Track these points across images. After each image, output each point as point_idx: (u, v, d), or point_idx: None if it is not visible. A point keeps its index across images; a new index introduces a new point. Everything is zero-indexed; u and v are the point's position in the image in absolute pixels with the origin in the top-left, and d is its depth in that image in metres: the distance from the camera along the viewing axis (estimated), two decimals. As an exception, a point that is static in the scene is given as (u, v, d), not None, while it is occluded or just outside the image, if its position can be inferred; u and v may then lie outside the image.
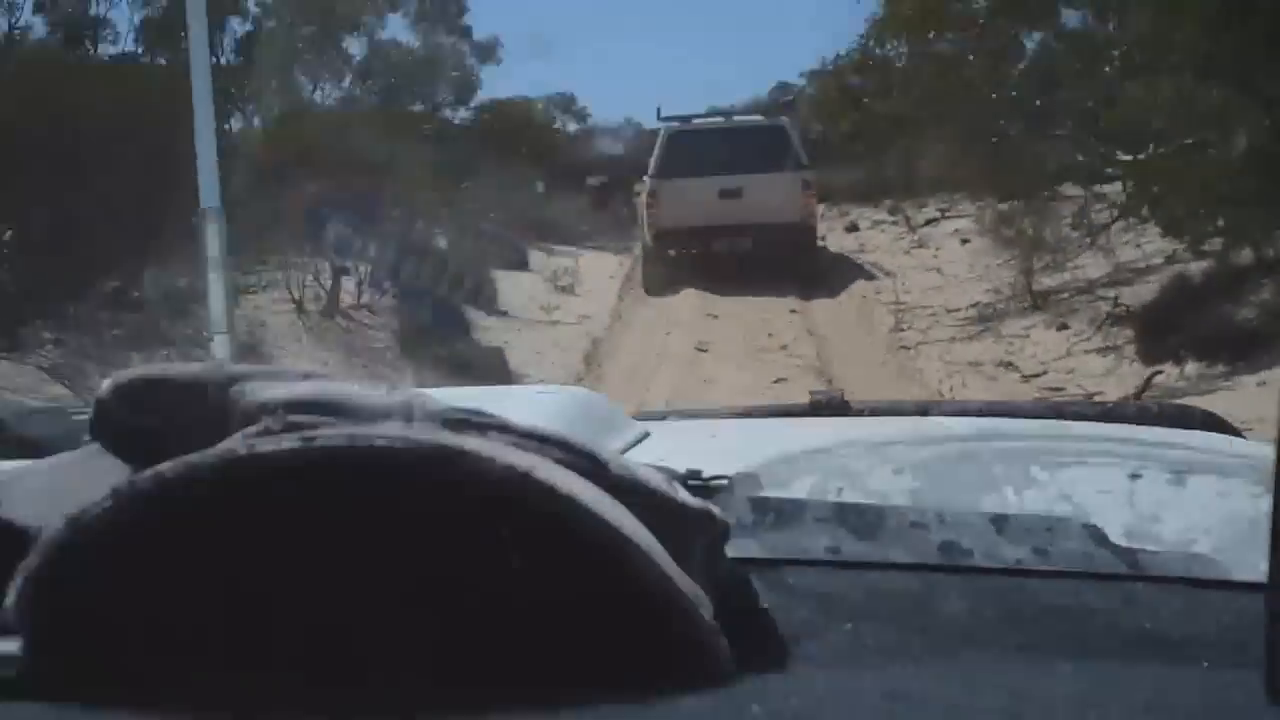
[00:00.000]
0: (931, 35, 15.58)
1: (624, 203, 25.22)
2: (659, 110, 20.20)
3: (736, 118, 20.45)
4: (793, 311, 16.21)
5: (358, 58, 28.88)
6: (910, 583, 1.06)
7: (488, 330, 15.33)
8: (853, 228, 24.69)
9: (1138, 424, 1.78)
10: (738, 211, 18.57)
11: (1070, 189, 16.72)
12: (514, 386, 3.95)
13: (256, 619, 0.77)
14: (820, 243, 21.59)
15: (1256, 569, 0.77)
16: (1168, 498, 1.33)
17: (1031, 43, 15.49)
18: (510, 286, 18.45)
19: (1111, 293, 12.97)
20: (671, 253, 19.18)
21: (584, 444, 0.86)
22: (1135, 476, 1.38)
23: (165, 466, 0.75)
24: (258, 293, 14.58)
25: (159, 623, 0.77)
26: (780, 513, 1.16)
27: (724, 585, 0.87)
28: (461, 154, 28.29)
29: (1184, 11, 10.87)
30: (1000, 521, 1.15)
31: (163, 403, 0.93)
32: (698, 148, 19.18)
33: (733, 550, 0.98)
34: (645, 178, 19.73)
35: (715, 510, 0.89)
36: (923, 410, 2.09)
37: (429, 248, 17.84)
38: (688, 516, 0.86)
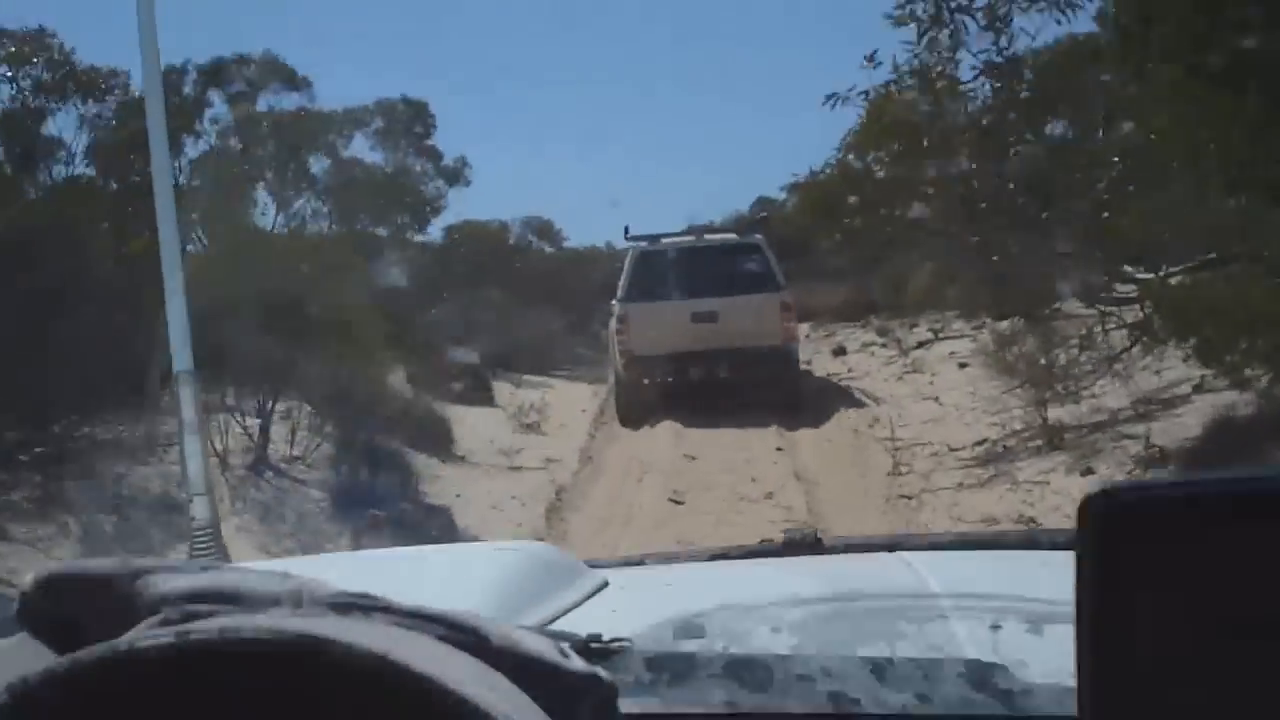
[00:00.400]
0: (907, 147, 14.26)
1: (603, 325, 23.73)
2: (626, 229, 18.87)
3: (708, 235, 19.06)
4: (778, 450, 14.67)
5: (319, 177, 27.57)
6: None
7: (438, 481, 13.75)
8: (840, 351, 23.38)
9: None
10: (713, 336, 17.45)
11: (1075, 306, 15.42)
12: (474, 544, 3.94)
13: None
14: (805, 366, 20.44)
15: None
16: (1029, 644, 1.43)
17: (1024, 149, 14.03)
18: (470, 427, 16.94)
19: (1139, 428, 11.40)
20: (645, 381, 17.85)
21: (467, 620, 0.91)
22: (996, 628, 1.50)
23: (55, 663, 0.80)
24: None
25: None
26: (675, 670, 1.26)
27: None
28: (426, 278, 26.99)
29: (1226, 118, 9.43)
30: (881, 670, 1.24)
31: (80, 595, 1.00)
32: (668, 268, 18.08)
33: (636, 707, 1.13)
34: (613, 302, 18.37)
35: (601, 673, 0.93)
36: (893, 545, 2.19)
37: (380, 386, 16.34)
38: (573, 682, 0.91)
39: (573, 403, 20.55)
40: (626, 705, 0.96)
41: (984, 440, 13.12)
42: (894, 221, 14.26)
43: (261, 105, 26.41)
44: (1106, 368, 13.38)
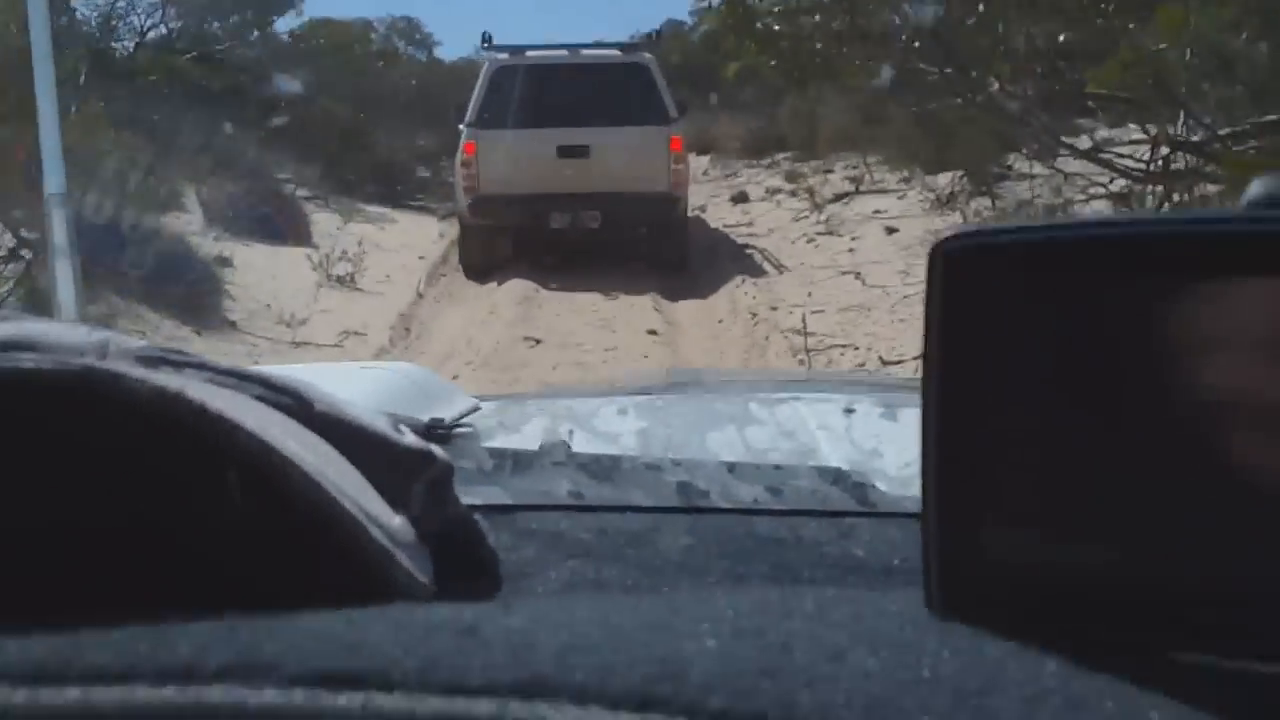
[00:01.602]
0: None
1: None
2: (485, 36, 14.98)
3: (585, 51, 15.11)
4: (651, 334, 11.10)
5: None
6: (644, 523, 1.11)
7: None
8: (741, 197, 19.59)
9: None
10: (582, 175, 14.08)
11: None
12: (339, 363, 3.20)
13: None
14: (697, 213, 16.89)
15: None
16: (884, 431, 1.44)
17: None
18: (259, 276, 13.09)
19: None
20: (495, 227, 14.50)
21: (290, 383, 0.84)
22: (849, 411, 1.50)
23: None
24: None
25: None
26: (519, 458, 1.24)
27: (449, 526, 0.88)
28: (266, 88, 22.87)
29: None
30: (733, 465, 1.23)
31: None
32: (532, 89, 14.43)
33: (476, 497, 1.06)
34: (461, 126, 14.59)
35: (436, 450, 0.89)
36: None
37: (149, 220, 12.53)
38: (404, 456, 0.86)
39: (411, 245, 16.77)
40: (467, 496, 0.92)
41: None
42: (824, 37, 10.41)
43: None
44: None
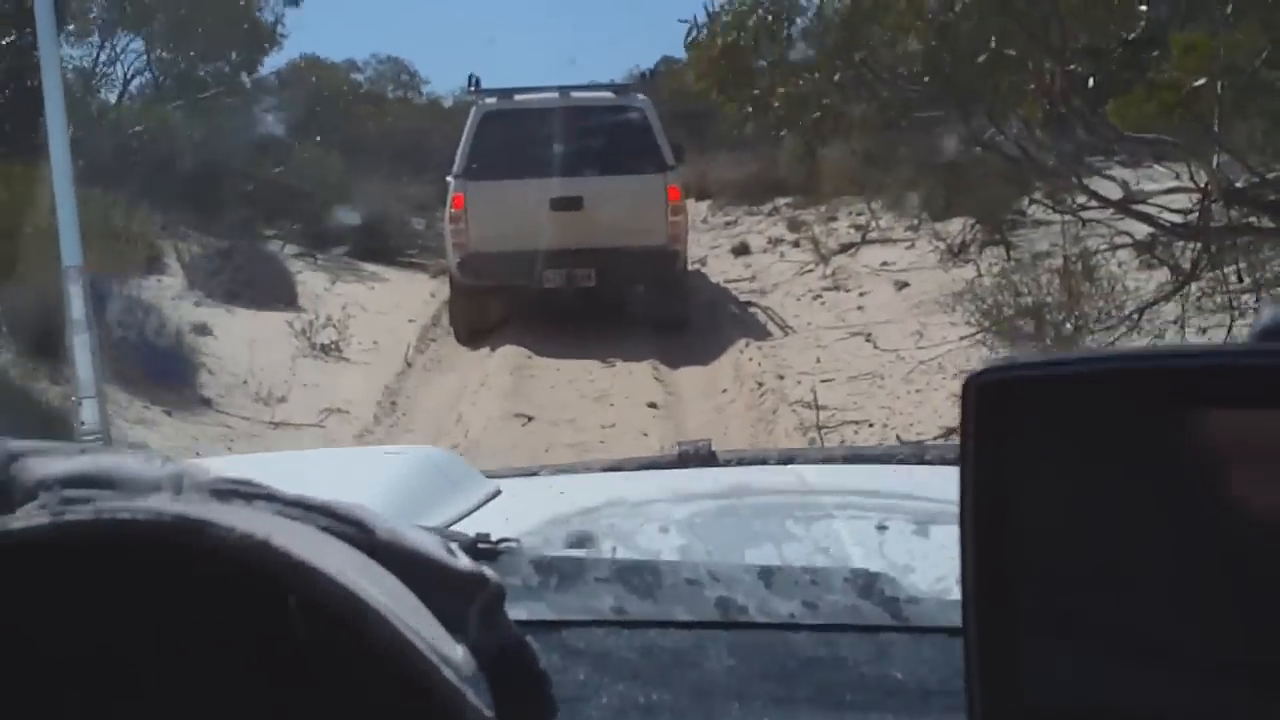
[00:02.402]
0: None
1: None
2: (472, 79, 14.28)
3: (576, 94, 14.41)
4: (652, 408, 10.45)
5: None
6: (686, 640, 1.16)
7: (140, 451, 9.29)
8: (742, 249, 18.90)
9: None
10: (576, 229, 13.28)
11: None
12: (360, 448, 3.56)
13: (12, 695, 0.80)
14: (696, 265, 16.23)
15: None
16: (916, 548, 1.46)
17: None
18: (237, 346, 12.38)
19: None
20: (485, 287, 13.76)
21: (352, 511, 0.87)
22: (882, 528, 1.53)
23: None
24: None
25: None
26: (563, 574, 1.26)
27: (503, 650, 0.89)
28: (247, 132, 22.27)
29: None
30: (769, 576, 1.25)
31: None
32: (522, 136, 13.72)
33: (524, 613, 1.12)
34: (449, 178, 13.94)
35: (489, 573, 0.90)
36: (788, 459, 2.19)
37: (119, 283, 11.88)
38: (460, 581, 0.87)
39: (401, 306, 16.11)
40: (513, 611, 0.91)
41: (951, 429, 8.78)
42: (823, 85, 9.69)
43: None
44: (1123, 314, 9.23)
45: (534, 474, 2.21)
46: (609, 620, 1.19)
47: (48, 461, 0.88)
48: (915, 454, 2.33)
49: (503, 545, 1.31)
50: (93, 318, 7.86)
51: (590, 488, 2.00)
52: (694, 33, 9.92)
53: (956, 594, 0.74)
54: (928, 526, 1.53)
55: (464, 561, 0.88)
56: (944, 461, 2.04)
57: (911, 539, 1.50)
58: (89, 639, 0.80)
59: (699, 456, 2.08)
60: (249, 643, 0.79)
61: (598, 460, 2.37)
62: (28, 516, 0.78)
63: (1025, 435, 0.66)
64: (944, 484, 1.52)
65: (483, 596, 0.88)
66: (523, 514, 1.68)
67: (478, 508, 1.73)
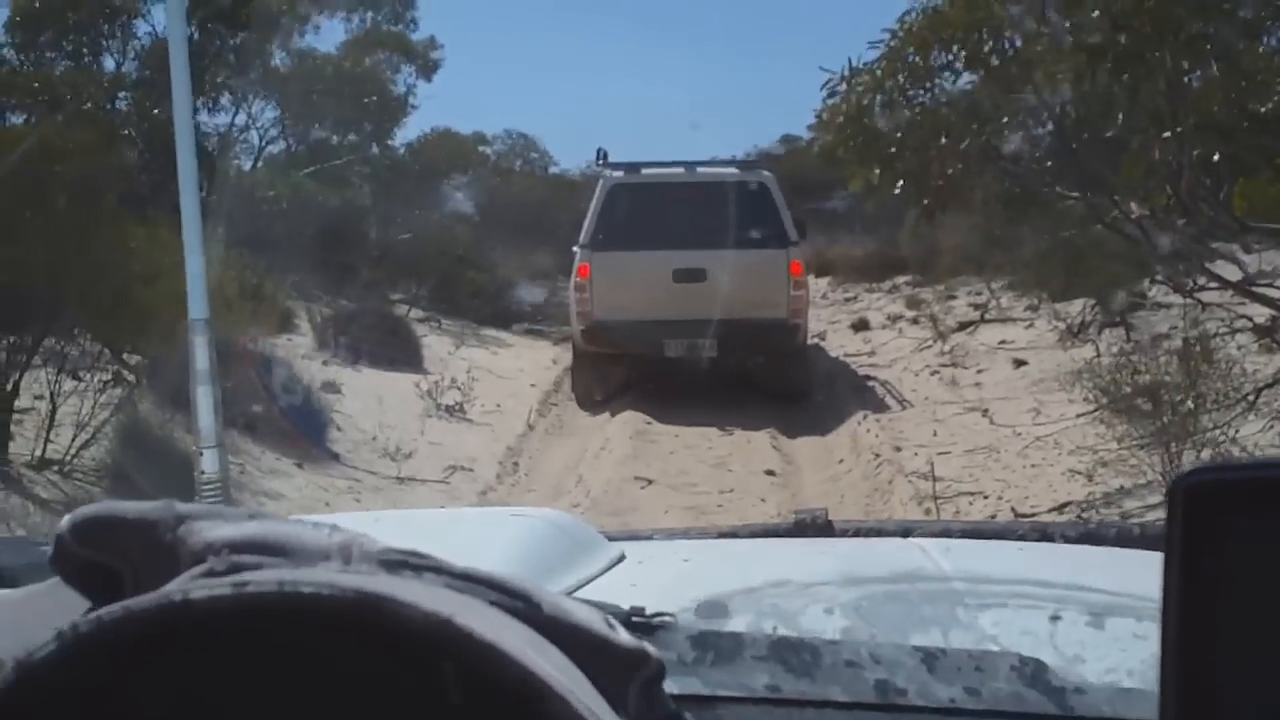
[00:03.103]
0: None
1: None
2: (600, 153, 14.59)
3: (703, 170, 14.68)
4: (769, 475, 10.60)
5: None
6: None
7: (274, 498, 9.58)
8: (861, 325, 19.03)
9: (1118, 545, 1.93)
10: (699, 301, 13.46)
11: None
12: (490, 509, 3.42)
13: None
14: (816, 339, 16.35)
15: None
16: (1088, 639, 1.43)
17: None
18: (366, 404, 12.75)
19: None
20: (609, 354, 14.01)
21: (520, 585, 0.88)
22: (1055, 619, 1.47)
23: (105, 611, 0.78)
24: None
25: None
26: (720, 650, 1.24)
27: None
28: (381, 201, 22.80)
29: None
30: (931, 660, 1.21)
31: (118, 540, 0.95)
32: (648, 209, 13.95)
33: (676, 687, 1.08)
34: (575, 248, 14.22)
35: (650, 649, 0.90)
36: (905, 531, 2.14)
37: (251, 344, 12.28)
38: (623, 656, 0.88)
39: (524, 371, 16.44)
40: (668, 685, 0.92)
41: (1066, 503, 8.84)
42: (958, 157, 9.73)
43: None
44: (1240, 397, 9.22)
45: (648, 538, 2.19)
46: (765, 698, 1.17)
47: (215, 525, 0.91)
48: (1040, 530, 2.27)
49: (658, 620, 1.30)
50: (216, 370, 7.99)
51: (716, 556, 2.00)
52: (834, 89, 10.00)
53: (1127, 684, 0.86)
54: (1103, 618, 1.50)
55: (625, 637, 0.89)
56: (1101, 540, 2.02)
57: (1084, 630, 1.47)
58: (261, 705, 0.80)
59: (815, 525, 2.08)
60: (406, 706, 0.79)
61: (712, 527, 2.38)
62: (206, 585, 0.79)
63: (1235, 537, 0.66)
64: (1112, 570, 1.58)
65: (644, 672, 0.89)
66: (650, 581, 1.66)
67: (603, 572, 1.71)
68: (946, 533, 2.17)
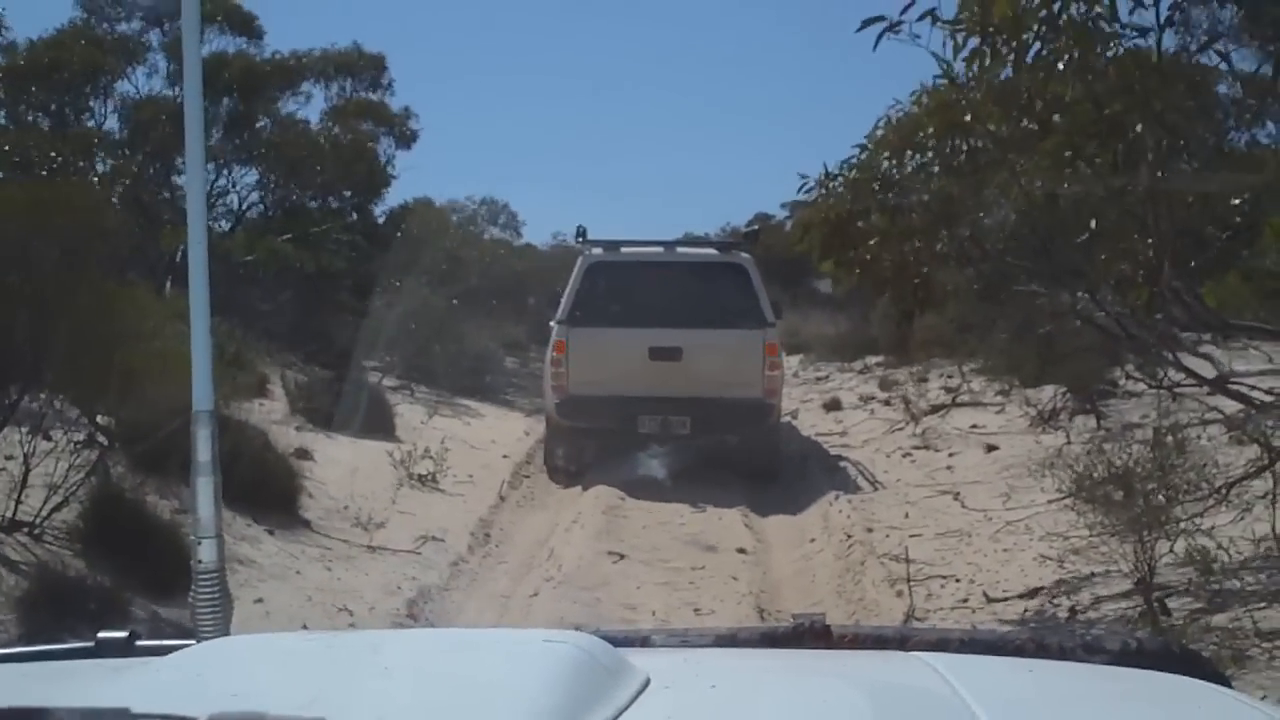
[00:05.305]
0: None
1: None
2: (580, 230, 14.69)
3: (682, 249, 14.87)
4: (741, 553, 10.61)
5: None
6: None
7: (245, 564, 9.54)
8: (833, 405, 19.16)
9: (1116, 662, 1.89)
10: (674, 379, 13.67)
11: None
12: (523, 631, 2.39)
13: None
14: (788, 418, 16.43)
15: None
16: None
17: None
18: (337, 472, 12.73)
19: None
20: (582, 429, 14.04)
21: None
22: None
23: None
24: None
25: None
26: None
27: None
28: (357, 270, 22.84)
29: None
30: None
31: None
32: (626, 287, 14.11)
33: None
34: (552, 323, 14.29)
35: None
36: (903, 640, 2.15)
37: (223, 411, 12.22)
38: None
39: (496, 443, 16.43)
40: None
41: (1037, 589, 8.88)
42: (934, 260, 9.86)
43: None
44: (1225, 494, 9.27)
45: (649, 638, 2.19)
46: None
47: None
48: (1035, 644, 2.24)
49: None
50: (218, 461, 7.88)
51: (742, 679, 1.97)
52: (809, 190, 10.12)
53: None
54: None
55: None
56: (1099, 652, 2.00)
57: None
58: None
59: (813, 632, 2.11)
60: None
61: (710, 630, 2.33)
62: None
63: None
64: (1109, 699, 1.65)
65: None
66: (686, 715, 1.68)
67: (632, 702, 1.71)
68: (944, 641, 2.17)
